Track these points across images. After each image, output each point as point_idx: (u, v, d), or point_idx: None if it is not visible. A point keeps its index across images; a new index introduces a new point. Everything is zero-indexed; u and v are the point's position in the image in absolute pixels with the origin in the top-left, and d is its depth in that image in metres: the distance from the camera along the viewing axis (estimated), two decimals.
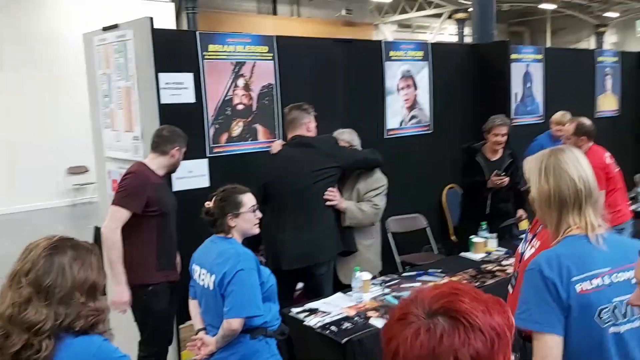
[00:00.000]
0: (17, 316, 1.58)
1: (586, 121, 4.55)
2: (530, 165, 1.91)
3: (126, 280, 3.30)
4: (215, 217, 2.73)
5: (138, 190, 3.30)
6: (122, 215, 3.29)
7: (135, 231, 3.32)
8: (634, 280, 1.59)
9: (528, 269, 1.74)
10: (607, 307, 1.69)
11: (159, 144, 3.43)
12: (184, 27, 13.53)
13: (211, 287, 2.66)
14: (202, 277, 2.74)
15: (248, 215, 2.75)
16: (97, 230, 5.97)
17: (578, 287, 1.68)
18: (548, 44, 22.79)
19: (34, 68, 11.64)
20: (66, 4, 12.34)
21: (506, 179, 4.56)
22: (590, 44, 23.94)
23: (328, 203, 3.78)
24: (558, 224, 1.82)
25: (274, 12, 17.14)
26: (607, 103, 7.91)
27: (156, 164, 3.43)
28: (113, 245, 3.26)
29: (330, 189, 3.81)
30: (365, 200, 3.95)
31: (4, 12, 11.50)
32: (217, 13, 15.26)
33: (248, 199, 2.78)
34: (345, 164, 3.89)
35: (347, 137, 4.15)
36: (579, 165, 1.83)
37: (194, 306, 2.90)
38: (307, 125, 3.92)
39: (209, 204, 2.76)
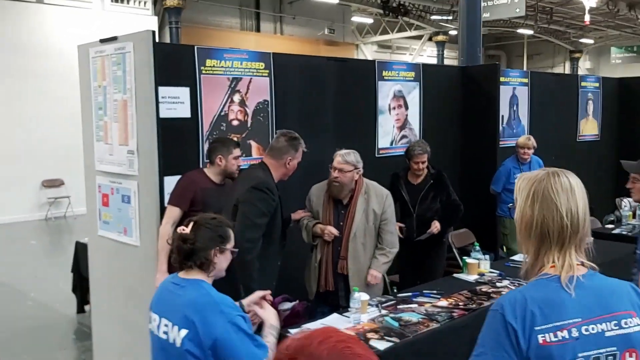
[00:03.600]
0: None
1: None
2: (521, 184, 1.68)
3: (166, 270, 3.53)
4: (196, 247, 2.26)
5: (184, 190, 3.74)
6: (174, 212, 3.68)
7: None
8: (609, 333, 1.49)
9: (491, 308, 1.59)
10: None
11: (208, 156, 3.92)
12: (167, 41, 13.46)
13: (178, 344, 2.18)
14: (164, 329, 2.25)
15: (228, 255, 2.37)
16: (78, 245, 5.90)
17: (540, 338, 1.50)
18: (524, 68, 23.25)
19: (10, 79, 11.44)
20: (52, 16, 12.20)
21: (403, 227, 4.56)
22: (565, 69, 24.54)
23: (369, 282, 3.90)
24: (536, 258, 1.63)
25: (257, 29, 17.18)
26: (589, 128, 8.07)
27: (210, 172, 3.86)
28: (161, 237, 3.62)
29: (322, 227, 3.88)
30: (381, 232, 3.97)
31: None
32: (200, 28, 15.22)
33: (232, 236, 2.40)
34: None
35: (352, 158, 3.88)
36: (572, 196, 1.60)
37: None
38: (287, 161, 3.54)
39: (185, 230, 2.30)
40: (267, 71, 4.53)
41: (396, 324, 3.27)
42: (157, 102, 3.53)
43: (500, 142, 6.47)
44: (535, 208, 1.61)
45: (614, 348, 1.53)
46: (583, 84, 7.93)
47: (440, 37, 19.55)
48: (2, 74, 11.33)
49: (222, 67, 4.25)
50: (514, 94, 6.86)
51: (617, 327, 1.54)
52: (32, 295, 6.67)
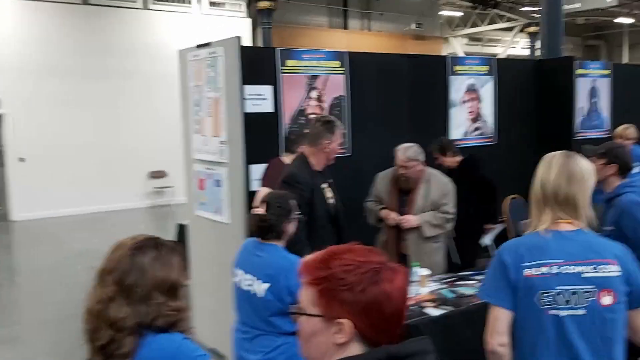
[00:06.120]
0: (102, 312, 1.64)
1: None
2: None
3: None
4: (272, 224, 2.75)
5: (276, 174, 4.00)
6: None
7: None
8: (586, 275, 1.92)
9: (496, 251, 2.10)
10: (549, 292, 1.94)
11: (289, 146, 4.36)
12: (259, 40, 14.23)
13: (261, 295, 2.72)
14: (249, 282, 2.78)
15: (295, 221, 2.84)
16: (180, 227, 6.60)
17: (525, 272, 1.97)
18: (625, 59, 22.16)
19: (121, 80, 12.61)
20: (159, 21, 13.33)
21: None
22: None
23: (402, 224, 4.13)
24: (535, 217, 2.09)
25: (345, 27, 17.64)
26: None
27: (290, 160, 4.13)
28: None
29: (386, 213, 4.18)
30: (438, 210, 4.21)
31: (99, 25, 12.53)
32: (290, 28, 15.90)
33: (295, 204, 2.87)
34: None
35: (413, 153, 4.18)
36: (548, 169, 2.06)
37: None
38: (325, 145, 3.64)
39: (259, 210, 2.79)
40: (343, 69, 4.96)
41: (452, 295, 3.61)
42: (243, 99, 4.06)
43: (579, 134, 6.53)
44: (534, 181, 2.12)
45: (592, 286, 1.95)
46: None
47: (532, 29, 19.06)
48: (113, 76, 12.54)
49: (300, 66, 4.73)
50: (593, 86, 6.86)
51: (594, 271, 1.95)
52: None
